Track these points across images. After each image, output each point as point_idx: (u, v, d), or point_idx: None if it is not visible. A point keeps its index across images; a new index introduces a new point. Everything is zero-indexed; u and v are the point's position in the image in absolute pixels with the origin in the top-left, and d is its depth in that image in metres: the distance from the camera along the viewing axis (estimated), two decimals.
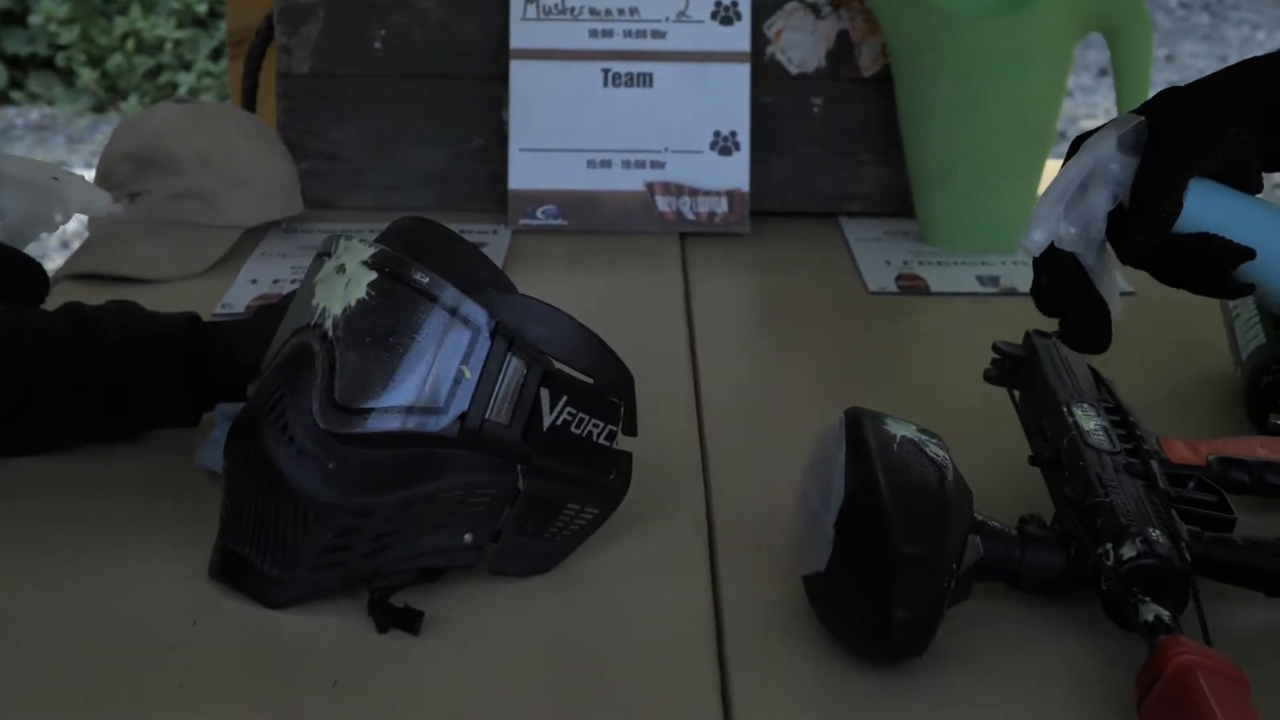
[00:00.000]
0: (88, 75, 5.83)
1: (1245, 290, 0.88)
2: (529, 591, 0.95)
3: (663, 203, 1.63)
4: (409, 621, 0.90)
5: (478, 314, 0.93)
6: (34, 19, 5.80)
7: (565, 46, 1.63)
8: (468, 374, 0.92)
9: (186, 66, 5.76)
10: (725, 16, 1.63)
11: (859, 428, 0.90)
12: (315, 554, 0.91)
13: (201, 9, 5.78)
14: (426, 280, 0.92)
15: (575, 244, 1.61)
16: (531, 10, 1.63)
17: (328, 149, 1.68)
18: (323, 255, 0.97)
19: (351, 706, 0.84)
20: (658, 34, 1.63)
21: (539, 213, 1.63)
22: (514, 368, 0.93)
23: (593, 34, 1.63)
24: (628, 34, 1.63)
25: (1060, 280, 0.88)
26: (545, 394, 0.94)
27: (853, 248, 1.59)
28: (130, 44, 5.85)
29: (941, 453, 0.91)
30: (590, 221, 1.63)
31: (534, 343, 0.95)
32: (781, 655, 0.89)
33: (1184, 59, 5.78)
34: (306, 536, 0.91)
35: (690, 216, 1.63)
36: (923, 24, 1.52)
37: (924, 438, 0.91)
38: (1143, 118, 0.88)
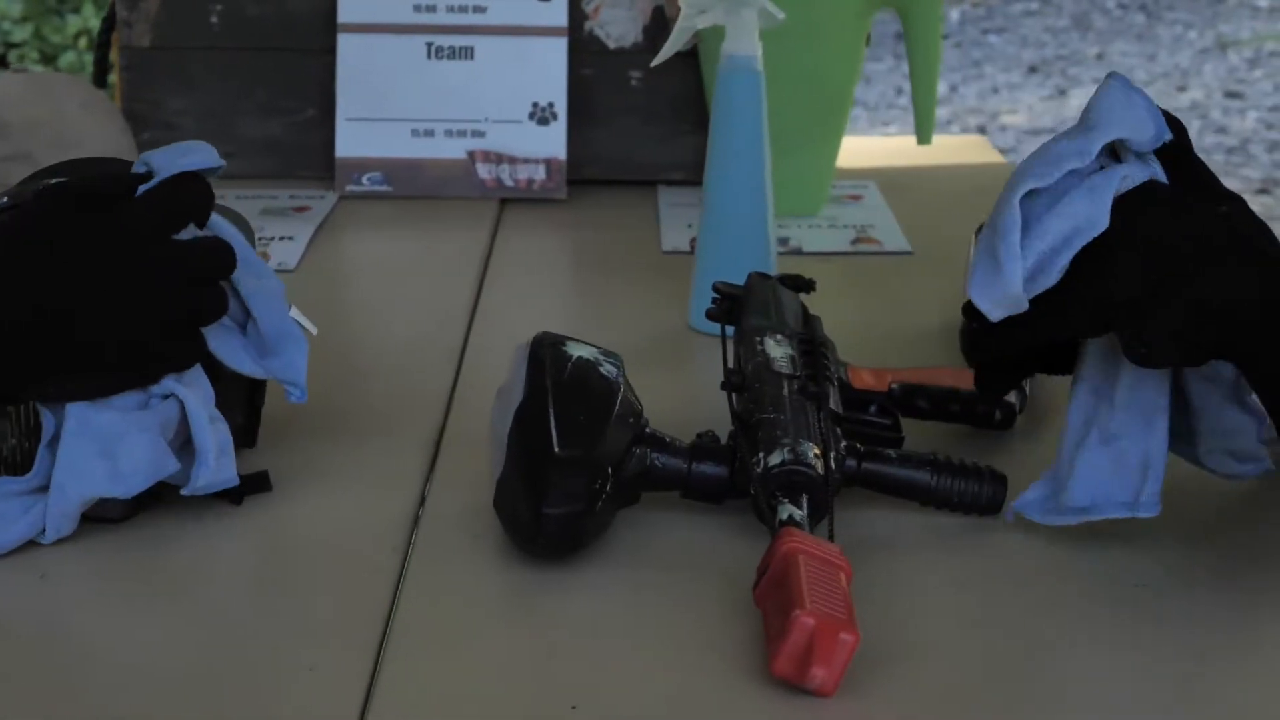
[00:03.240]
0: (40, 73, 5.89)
1: None
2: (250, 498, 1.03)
3: (483, 170, 1.71)
4: (262, 482, 1.02)
5: None
6: None
7: (390, 20, 1.71)
8: None
9: None
10: None
11: (539, 348, 0.99)
12: None
13: None
14: None
15: (398, 209, 1.69)
16: None
17: (168, 119, 1.76)
18: None
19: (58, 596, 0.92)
20: (479, 9, 1.71)
21: (365, 179, 1.71)
22: None
23: (417, 9, 1.71)
24: (450, 9, 1.71)
25: None
26: None
27: (661, 212, 1.67)
28: (83, 42, 5.91)
29: (614, 370, 0.99)
30: (414, 187, 1.71)
31: None
32: (466, 553, 0.97)
33: (1114, 57, 5.88)
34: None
35: (510, 183, 1.71)
36: None
37: (601, 358, 0.99)
38: None
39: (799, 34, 1.58)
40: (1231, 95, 5.31)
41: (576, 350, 0.99)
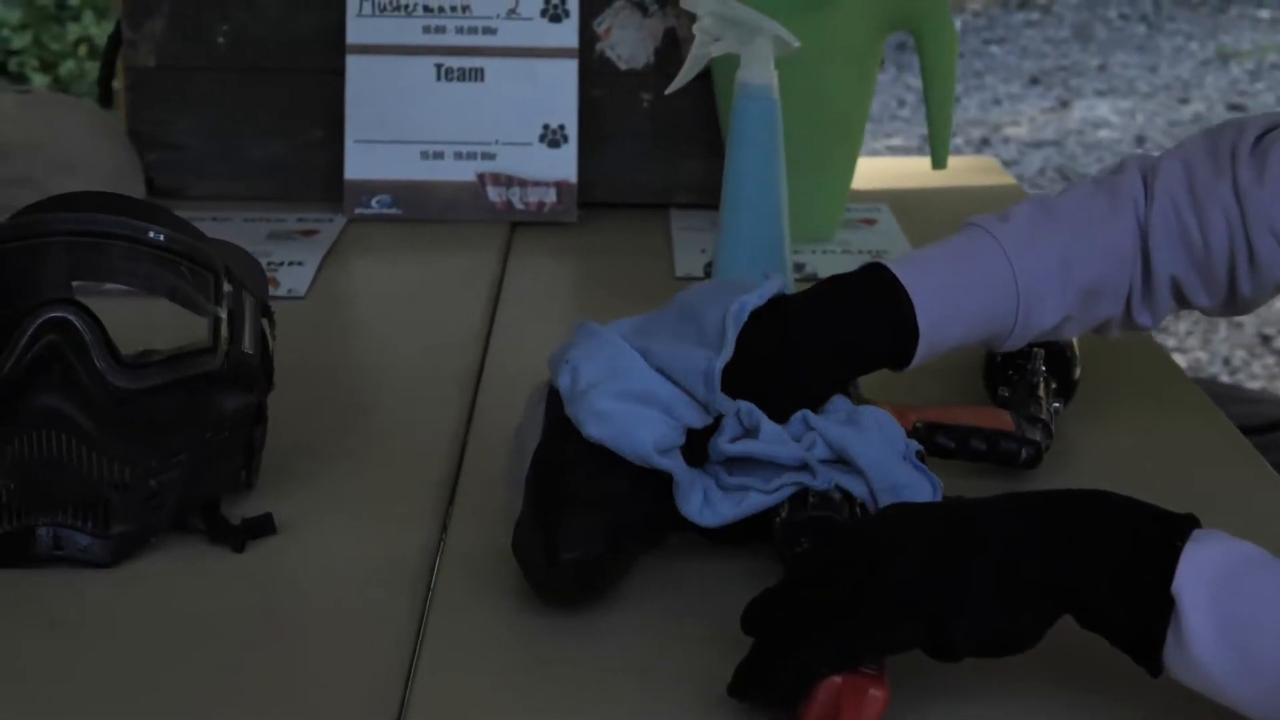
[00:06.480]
0: (39, 80, 5.86)
1: None
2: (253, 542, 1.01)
3: (493, 193, 1.69)
4: (265, 525, 1.00)
5: (212, 258, 0.99)
6: None
7: (400, 42, 1.69)
8: (222, 314, 0.99)
9: None
10: (554, 14, 1.69)
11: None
12: (137, 504, 0.97)
13: None
14: (162, 238, 0.98)
15: (408, 232, 1.67)
16: (367, 6, 1.69)
17: (173, 139, 1.74)
18: None
19: (66, 648, 0.90)
20: (489, 30, 1.69)
21: (374, 202, 1.69)
22: (250, 304, 1.00)
23: (426, 30, 1.69)
24: (460, 30, 1.69)
25: None
26: (265, 324, 1.03)
27: (674, 236, 1.66)
28: (83, 49, 5.89)
29: None
30: (423, 210, 1.69)
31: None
32: (486, 601, 0.95)
33: (1115, 68, 5.86)
34: (129, 491, 0.97)
35: (520, 206, 1.69)
36: None
37: None
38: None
39: (811, 58, 1.56)
40: (1234, 108, 5.29)
41: None
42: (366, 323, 1.46)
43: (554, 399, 0.96)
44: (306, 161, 1.74)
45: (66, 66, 5.82)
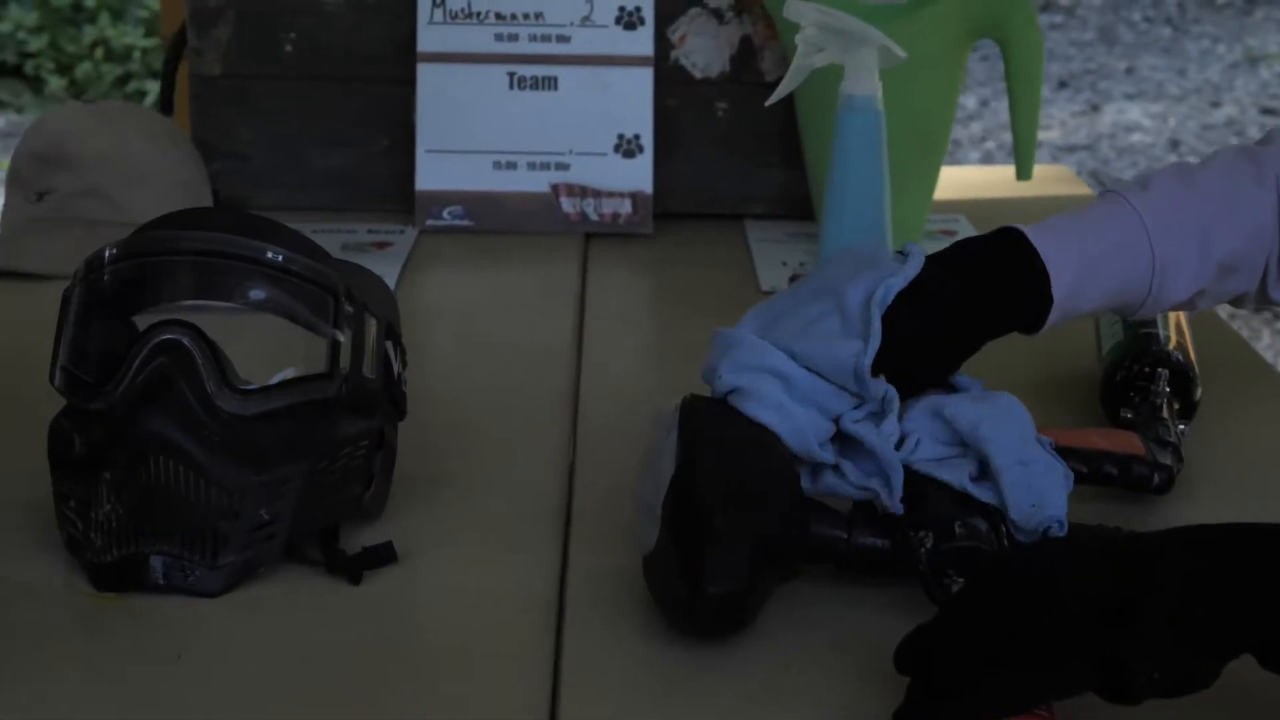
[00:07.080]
0: (56, 83, 5.85)
1: None
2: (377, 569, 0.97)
3: (567, 204, 1.66)
4: (386, 554, 0.96)
5: (332, 279, 0.96)
6: (2, 27, 5.82)
7: (471, 50, 1.66)
8: (341, 337, 0.95)
9: (155, 74, 5.78)
10: (629, 21, 1.66)
11: (691, 413, 0.93)
12: (246, 534, 0.93)
13: None
14: (281, 258, 0.95)
15: (481, 243, 1.64)
16: (439, 14, 1.66)
17: (238, 149, 1.70)
18: None
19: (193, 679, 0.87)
20: (562, 38, 1.66)
21: (445, 213, 1.66)
22: (373, 326, 0.97)
23: (499, 38, 1.66)
24: (533, 38, 1.66)
25: None
26: (390, 346, 1.00)
27: (752, 248, 1.62)
28: (99, 52, 5.87)
29: (771, 435, 0.93)
30: (496, 222, 1.66)
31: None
32: (617, 633, 0.91)
33: (1143, 71, 5.83)
34: (239, 520, 0.93)
35: (594, 217, 1.66)
36: None
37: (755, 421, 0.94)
38: None
39: (898, 68, 1.53)
40: (1268, 112, 5.26)
41: (731, 415, 0.94)
42: (454, 338, 1.43)
43: (687, 424, 0.92)
44: (373, 172, 1.71)
45: (83, 69, 5.80)
